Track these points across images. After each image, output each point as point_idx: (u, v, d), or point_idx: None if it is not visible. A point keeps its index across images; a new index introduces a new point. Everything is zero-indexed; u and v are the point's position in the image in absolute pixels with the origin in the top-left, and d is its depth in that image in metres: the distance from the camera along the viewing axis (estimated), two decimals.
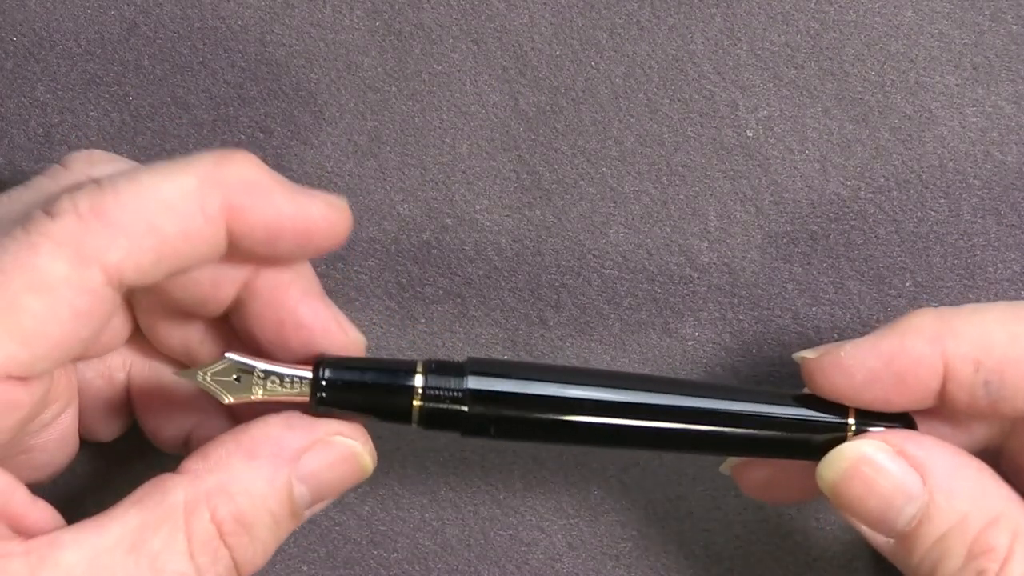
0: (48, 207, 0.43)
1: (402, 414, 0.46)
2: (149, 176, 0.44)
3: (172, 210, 0.44)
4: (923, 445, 0.46)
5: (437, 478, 0.53)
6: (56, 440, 0.48)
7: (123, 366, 0.49)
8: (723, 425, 0.47)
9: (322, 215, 0.46)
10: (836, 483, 0.46)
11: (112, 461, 0.53)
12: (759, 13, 0.54)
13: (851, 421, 0.47)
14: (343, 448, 0.46)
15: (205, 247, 0.45)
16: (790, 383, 0.53)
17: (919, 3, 0.54)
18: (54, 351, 0.43)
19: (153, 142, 0.53)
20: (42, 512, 0.45)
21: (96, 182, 0.44)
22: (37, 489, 0.45)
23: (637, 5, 0.54)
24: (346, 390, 0.46)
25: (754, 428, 0.47)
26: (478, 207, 0.54)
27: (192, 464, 0.45)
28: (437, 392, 0.46)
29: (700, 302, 0.53)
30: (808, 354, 0.47)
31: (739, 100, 0.54)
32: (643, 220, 0.54)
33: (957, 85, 0.54)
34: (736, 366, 0.53)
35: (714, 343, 0.53)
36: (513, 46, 0.54)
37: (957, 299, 0.53)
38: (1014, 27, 0.54)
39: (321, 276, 0.53)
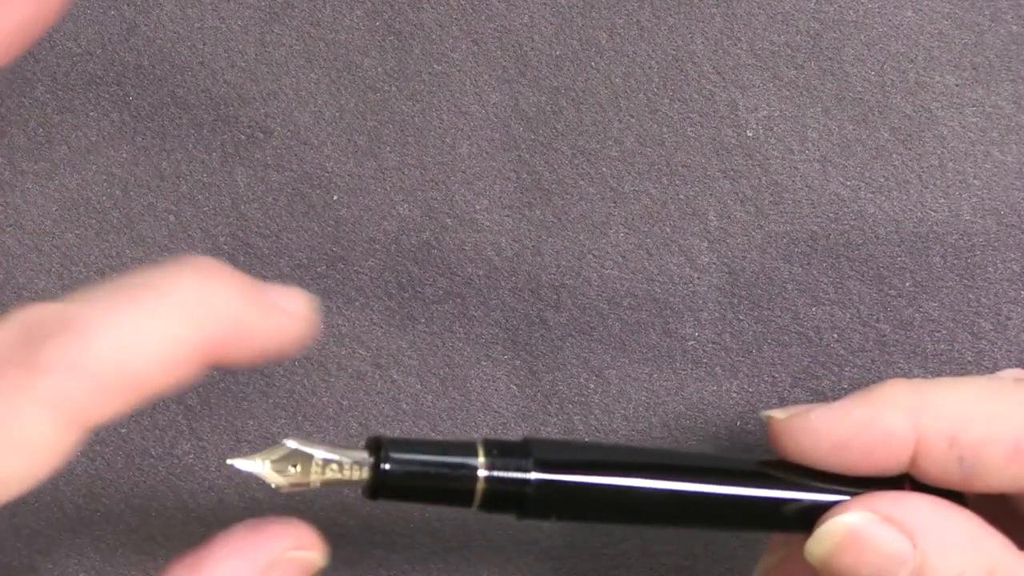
0: (29, 358, 0.41)
1: (463, 498, 0.45)
2: (128, 315, 0.42)
3: (151, 360, 0.42)
4: (908, 507, 0.46)
5: None
6: None
7: None
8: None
9: (290, 330, 0.44)
10: (826, 559, 0.46)
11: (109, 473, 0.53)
12: (759, 13, 0.54)
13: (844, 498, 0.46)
14: (297, 563, 0.45)
15: (176, 380, 0.44)
16: (789, 384, 0.53)
17: (919, 3, 0.54)
18: (12, 489, 0.43)
19: (153, 142, 0.53)
20: None
21: (64, 322, 0.41)
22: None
23: (637, 5, 0.54)
24: (407, 474, 0.45)
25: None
26: (478, 207, 0.54)
27: None
28: (501, 476, 0.45)
29: (700, 302, 0.53)
30: (776, 414, 0.47)
31: (739, 100, 0.54)
32: (643, 220, 0.54)
33: (957, 85, 0.54)
34: (736, 366, 0.53)
35: (714, 343, 0.53)
36: (513, 46, 0.54)
37: (957, 299, 0.53)
38: (1014, 27, 0.54)
39: (321, 276, 0.53)
